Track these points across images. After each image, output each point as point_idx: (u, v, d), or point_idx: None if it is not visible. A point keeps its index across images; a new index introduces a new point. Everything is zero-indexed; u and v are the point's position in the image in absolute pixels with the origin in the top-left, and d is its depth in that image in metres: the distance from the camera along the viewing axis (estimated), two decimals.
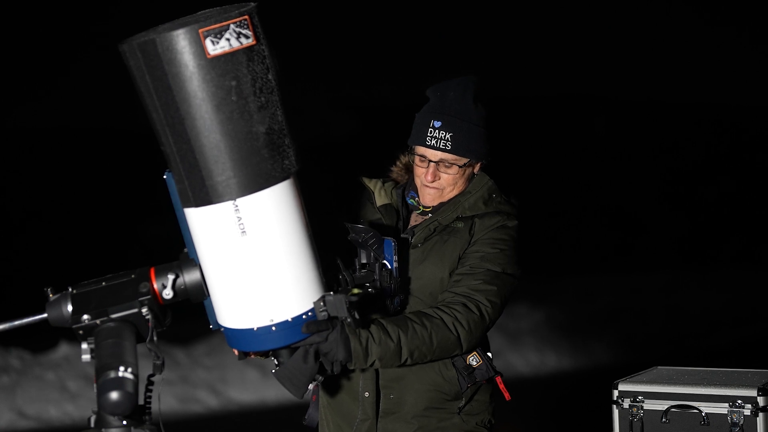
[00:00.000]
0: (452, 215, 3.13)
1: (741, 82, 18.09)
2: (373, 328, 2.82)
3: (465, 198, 3.14)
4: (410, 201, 3.21)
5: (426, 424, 3.12)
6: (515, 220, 3.15)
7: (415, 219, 3.21)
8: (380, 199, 3.22)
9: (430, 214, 3.16)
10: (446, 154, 3.09)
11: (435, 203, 3.16)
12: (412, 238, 3.13)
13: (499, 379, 3.18)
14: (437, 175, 3.12)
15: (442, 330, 2.93)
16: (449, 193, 3.15)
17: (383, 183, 3.26)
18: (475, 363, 3.11)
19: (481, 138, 3.11)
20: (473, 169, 3.17)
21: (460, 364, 3.10)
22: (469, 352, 3.09)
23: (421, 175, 3.14)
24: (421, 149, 3.12)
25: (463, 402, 3.14)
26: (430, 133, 3.09)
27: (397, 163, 3.29)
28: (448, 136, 3.07)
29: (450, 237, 3.11)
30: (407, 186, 3.25)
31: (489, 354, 3.18)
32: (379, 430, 3.12)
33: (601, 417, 4.17)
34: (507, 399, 3.19)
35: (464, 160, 3.11)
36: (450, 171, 3.12)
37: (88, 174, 13.04)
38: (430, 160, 3.11)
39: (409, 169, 3.27)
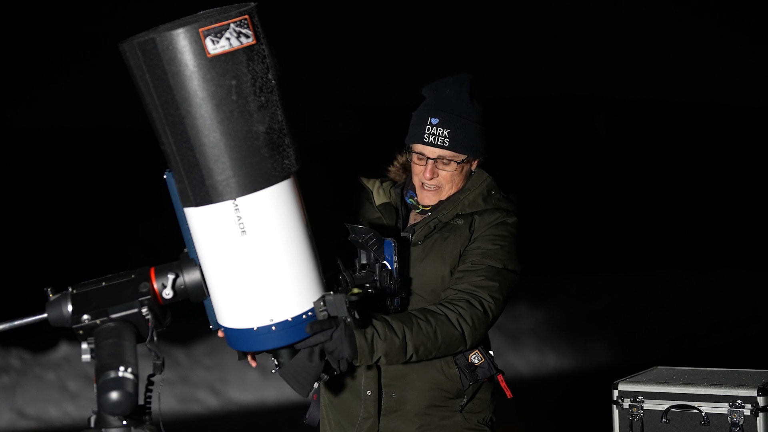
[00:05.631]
0: (452, 212, 3.13)
1: (741, 82, 18.09)
2: (377, 324, 2.82)
3: (464, 195, 3.14)
4: (409, 200, 3.21)
5: (428, 422, 3.12)
6: (514, 216, 3.15)
7: (414, 217, 3.21)
8: (379, 197, 3.22)
9: (429, 213, 3.16)
10: (444, 150, 3.09)
11: (434, 203, 3.16)
12: (412, 236, 3.13)
13: (500, 377, 3.18)
14: (435, 172, 3.12)
15: (446, 326, 2.93)
16: (448, 191, 3.15)
17: (381, 182, 3.26)
18: (477, 361, 3.11)
19: (478, 134, 3.11)
20: (471, 165, 3.17)
21: (462, 362, 3.10)
22: (471, 349, 3.09)
23: (420, 173, 3.13)
24: (419, 147, 3.12)
25: (465, 400, 3.14)
26: (428, 130, 3.08)
27: (395, 162, 3.29)
28: (445, 132, 3.07)
29: (450, 234, 3.11)
30: (406, 185, 3.25)
31: (490, 352, 3.18)
32: (381, 428, 3.12)
33: (601, 417, 4.16)
34: (509, 396, 3.20)
35: (462, 157, 3.11)
36: (448, 168, 3.11)
37: (88, 174, 13.03)
38: (428, 157, 3.11)
39: (406, 169, 3.27)
